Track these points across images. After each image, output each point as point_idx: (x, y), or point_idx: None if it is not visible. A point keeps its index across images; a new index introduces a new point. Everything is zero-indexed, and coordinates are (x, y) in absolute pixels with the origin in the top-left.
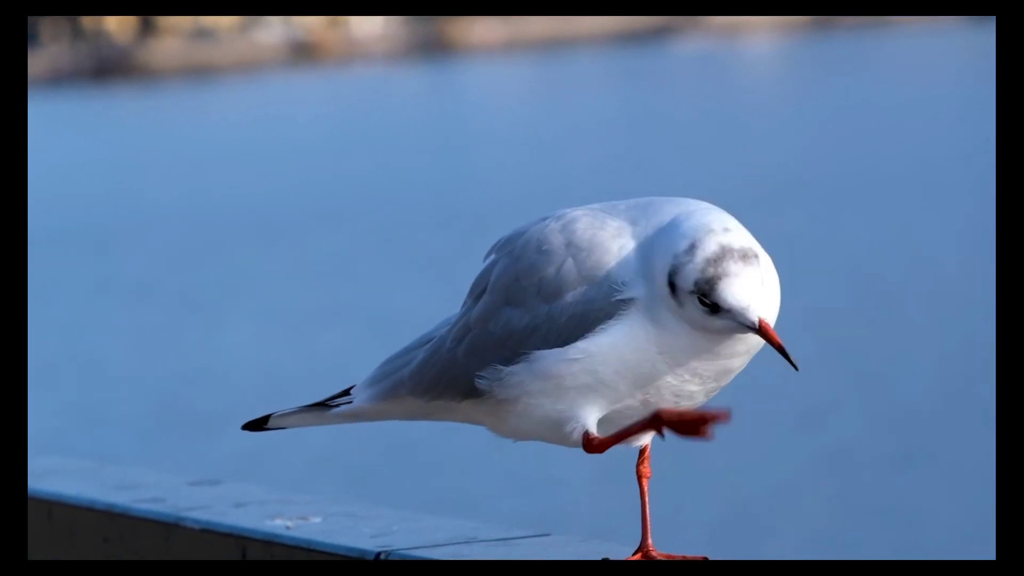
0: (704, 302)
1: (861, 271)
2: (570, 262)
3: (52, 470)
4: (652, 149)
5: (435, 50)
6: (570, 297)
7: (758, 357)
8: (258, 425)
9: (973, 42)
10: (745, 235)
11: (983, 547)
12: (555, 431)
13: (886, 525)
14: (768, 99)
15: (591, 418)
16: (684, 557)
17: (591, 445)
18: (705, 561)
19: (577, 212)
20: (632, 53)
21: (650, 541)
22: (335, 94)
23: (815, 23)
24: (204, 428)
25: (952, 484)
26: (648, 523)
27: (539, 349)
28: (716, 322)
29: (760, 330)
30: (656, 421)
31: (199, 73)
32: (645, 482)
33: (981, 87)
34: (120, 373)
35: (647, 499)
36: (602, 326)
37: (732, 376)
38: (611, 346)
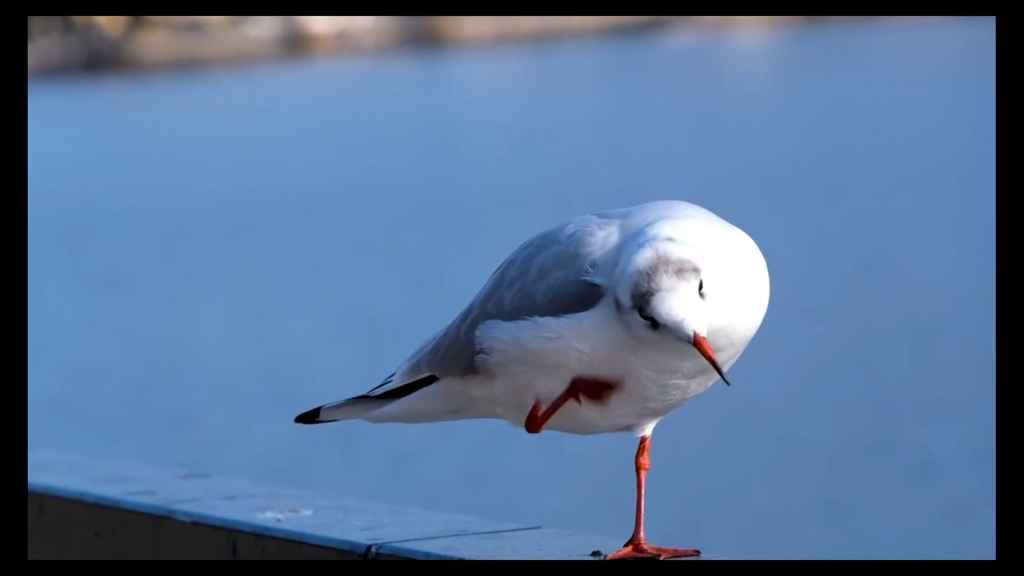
0: (644, 316)
1: (850, 264)
2: (554, 248)
3: (43, 463)
4: (641, 143)
5: (425, 43)
6: (550, 280)
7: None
8: (310, 418)
9: (964, 37)
10: (688, 248)
11: (950, 547)
12: (525, 402)
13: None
14: (757, 94)
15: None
16: (676, 550)
17: (534, 420)
18: (696, 557)
19: (580, 216)
20: (622, 47)
21: (642, 534)
22: (326, 88)
23: (805, 18)
24: (177, 420)
25: (947, 484)
26: (641, 516)
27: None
28: (659, 336)
29: (696, 344)
30: (573, 389)
31: (190, 66)
32: (643, 474)
33: (973, 82)
34: (104, 364)
35: (643, 491)
36: (577, 312)
37: (724, 367)
38: (580, 330)
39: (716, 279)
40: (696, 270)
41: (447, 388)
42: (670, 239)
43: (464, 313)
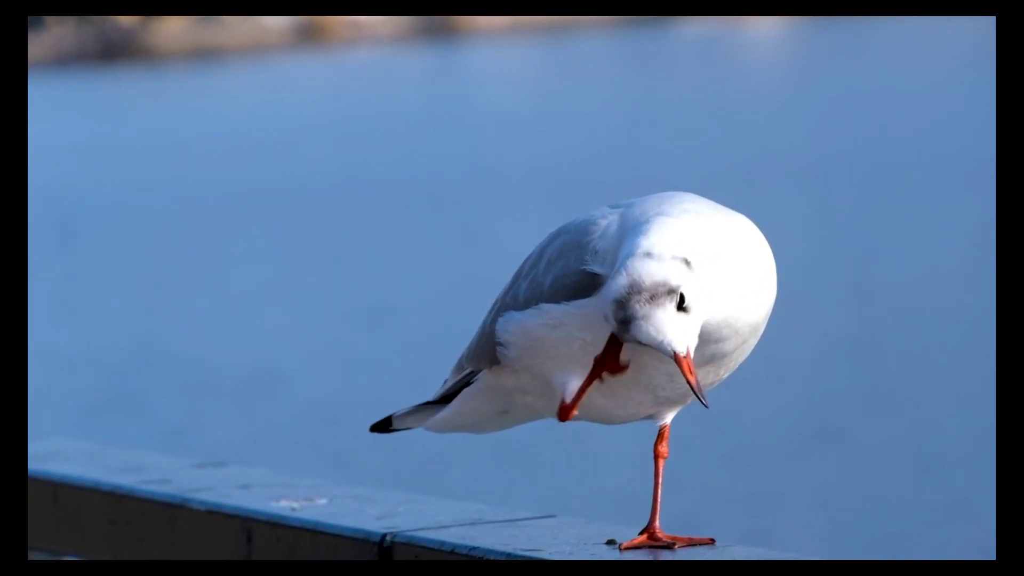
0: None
1: (859, 255)
2: (561, 239)
3: (56, 452)
4: (655, 132)
5: (440, 33)
6: (555, 269)
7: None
8: (383, 427)
9: (975, 29)
10: (665, 266)
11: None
12: (548, 393)
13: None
14: (771, 83)
15: (572, 385)
16: (691, 539)
17: (563, 408)
18: (711, 547)
19: (594, 208)
20: (635, 37)
21: (657, 523)
22: (340, 76)
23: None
24: (172, 415)
25: (951, 479)
26: (658, 504)
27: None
28: (647, 349)
29: (677, 363)
30: (596, 367)
31: (205, 55)
32: (661, 462)
33: (982, 73)
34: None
35: (660, 480)
36: (580, 300)
37: (732, 359)
38: (581, 318)
39: (707, 281)
40: (672, 291)
41: (486, 384)
42: (648, 254)
43: (492, 307)
